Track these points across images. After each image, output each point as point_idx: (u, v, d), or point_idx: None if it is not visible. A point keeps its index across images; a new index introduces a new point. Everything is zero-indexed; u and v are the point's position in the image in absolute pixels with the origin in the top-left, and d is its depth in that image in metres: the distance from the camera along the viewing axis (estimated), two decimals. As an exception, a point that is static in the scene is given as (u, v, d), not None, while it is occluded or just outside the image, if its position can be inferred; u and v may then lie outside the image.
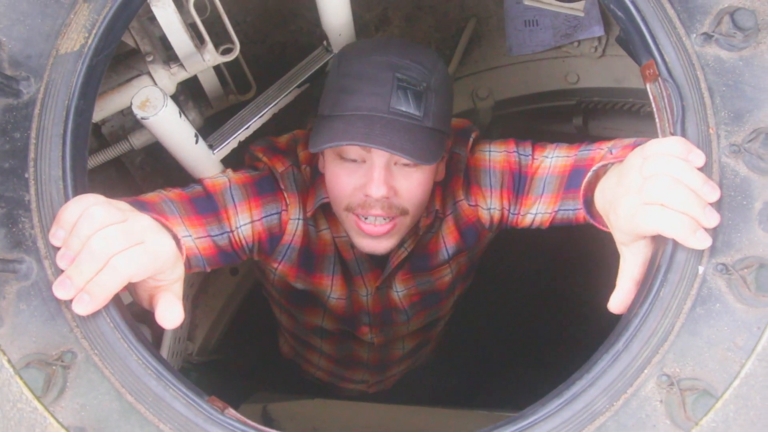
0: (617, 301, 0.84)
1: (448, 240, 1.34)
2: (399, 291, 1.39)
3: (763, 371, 0.69)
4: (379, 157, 1.10)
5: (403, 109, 1.07)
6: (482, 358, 1.72)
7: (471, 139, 1.30)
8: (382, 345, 1.51)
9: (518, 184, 1.27)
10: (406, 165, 1.13)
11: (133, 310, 0.86)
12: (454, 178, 1.31)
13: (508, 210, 1.29)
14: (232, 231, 1.20)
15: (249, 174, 1.27)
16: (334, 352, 1.58)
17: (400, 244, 1.28)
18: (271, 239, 1.26)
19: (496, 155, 1.30)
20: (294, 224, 1.27)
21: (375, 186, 1.10)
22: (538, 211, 1.26)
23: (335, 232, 1.30)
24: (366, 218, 1.15)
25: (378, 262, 1.33)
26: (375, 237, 1.18)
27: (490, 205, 1.29)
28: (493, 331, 1.75)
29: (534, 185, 1.25)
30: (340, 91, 1.11)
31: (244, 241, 1.23)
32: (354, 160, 1.13)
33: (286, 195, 1.24)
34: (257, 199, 1.22)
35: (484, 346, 1.73)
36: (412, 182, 1.14)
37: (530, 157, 1.28)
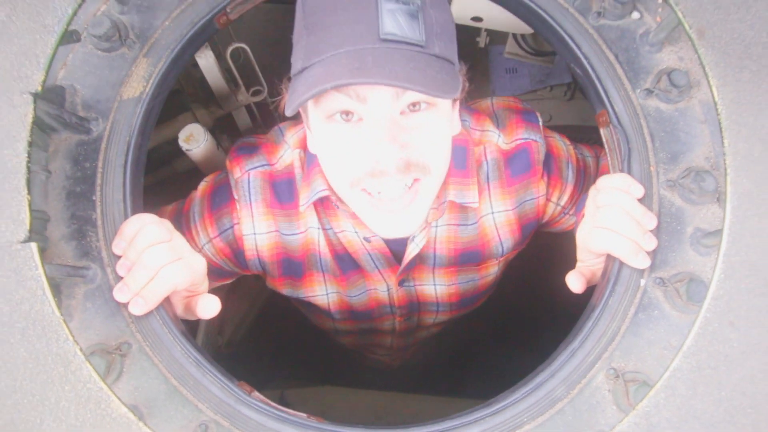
0: (574, 284, 0.84)
1: (504, 233, 1.01)
2: (438, 285, 1.07)
3: (688, 365, 0.71)
4: (379, 102, 0.74)
5: (398, 33, 0.69)
6: (479, 342, 1.63)
7: (539, 122, 1.00)
8: (406, 332, 1.22)
9: (582, 182, 1.04)
10: (414, 110, 0.76)
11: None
12: (533, 169, 0.97)
13: (566, 208, 1.04)
14: (199, 251, 0.98)
15: (214, 181, 1.02)
16: (354, 342, 1.29)
17: (411, 239, 0.94)
18: (236, 254, 1.01)
19: (568, 145, 1.03)
20: (251, 239, 0.98)
21: (382, 147, 0.75)
22: (572, 215, 1.05)
23: (337, 228, 0.98)
24: (379, 192, 0.80)
25: (395, 254, 0.99)
26: (394, 213, 0.82)
27: (560, 201, 1.03)
28: (492, 319, 1.63)
29: (585, 187, 1.04)
30: (310, 34, 0.73)
31: (215, 259, 1.01)
32: (347, 115, 0.76)
33: (239, 206, 0.97)
34: (210, 214, 0.98)
35: (481, 332, 1.64)
36: (427, 130, 0.78)
37: (593, 158, 1.07)
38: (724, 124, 0.77)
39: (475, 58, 1.75)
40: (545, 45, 1.43)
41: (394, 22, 0.69)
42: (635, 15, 0.86)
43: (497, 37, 1.59)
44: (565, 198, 1.03)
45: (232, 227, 0.98)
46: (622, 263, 0.78)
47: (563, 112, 1.62)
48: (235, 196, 0.97)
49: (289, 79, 0.79)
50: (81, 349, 0.70)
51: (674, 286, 0.76)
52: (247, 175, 0.95)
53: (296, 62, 0.76)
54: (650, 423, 0.69)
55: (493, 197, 0.98)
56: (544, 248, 1.28)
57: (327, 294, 1.07)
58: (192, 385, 0.73)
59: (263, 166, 0.96)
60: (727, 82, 0.78)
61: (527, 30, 1.29)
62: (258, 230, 0.97)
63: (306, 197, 0.93)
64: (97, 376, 0.69)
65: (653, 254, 0.78)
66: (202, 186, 1.02)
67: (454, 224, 0.99)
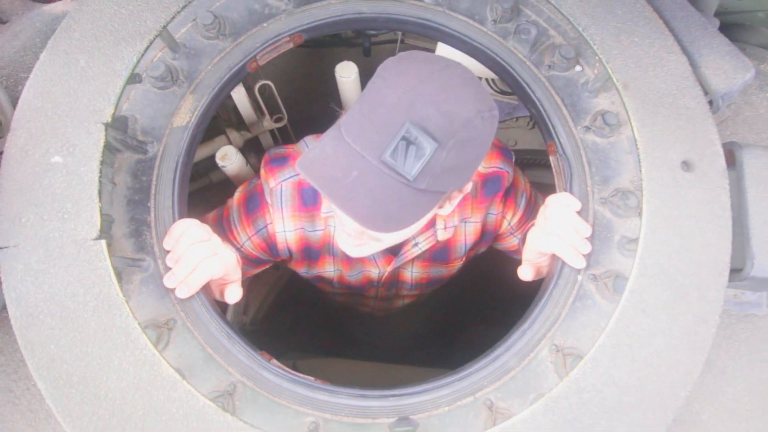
0: (525, 273, 0.91)
1: (469, 237, 1.11)
2: (414, 272, 1.17)
3: (610, 342, 0.77)
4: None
5: (396, 164, 0.69)
6: (462, 322, 1.64)
7: (512, 158, 1.07)
8: (385, 298, 1.32)
9: (530, 213, 1.12)
10: None
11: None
12: (500, 193, 1.06)
13: (513, 229, 1.12)
14: (240, 247, 1.05)
15: (246, 190, 1.06)
16: (345, 300, 1.38)
17: (414, 244, 1.05)
18: (270, 247, 1.08)
19: (527, 183, 1.12)
20: (282, 235, 1.04)
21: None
22: (518, 236, 1.13)
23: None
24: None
25: (393, 249, 1.07)
26: (356, 248, 0.92)
27: (512, 221, 1.12)
28: (466, 299, 1.69)
29: (531, 218, 1.11)
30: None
31: (254, 252, 1.07)
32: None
33: (271, 210, 1.02)
34: (247, 218, 1.04)
35: (464, 314, 1.67)
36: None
37: (536, 195, 1.15)
38: (642, 156, 0.84)
39: None
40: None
41: (397, 153, 0.68)
42: (578, 68, 0.93)
43: None
44: (515, 219, 1.11)
45: (266, 226, 1.04)
46: (564, 263, 0.83)
47: (526, 138, 1.70)
48: (269, 201, 1.01)
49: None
50: (138, 323, 0.74)
51: (603, 281, 0.81)
52: (280, 186, 0.99)
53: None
54: (579, 387, 0.74)
55: (471, 210, 1.07)
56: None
57: (333, 271, 1.15)
58: (223, 354, 0.78)
59: (293, 176, 0.99)
60: (645, 124, 0.85)
61: (494, 76, 1.37)
62: (287, 228, 1.04)
63: (326, 208, 1.00)
64: (151, 344, 0.74)
65: (588, 257, 0.83)
66: (237, 195, 1.07)
67: (434, 230, 1.06)
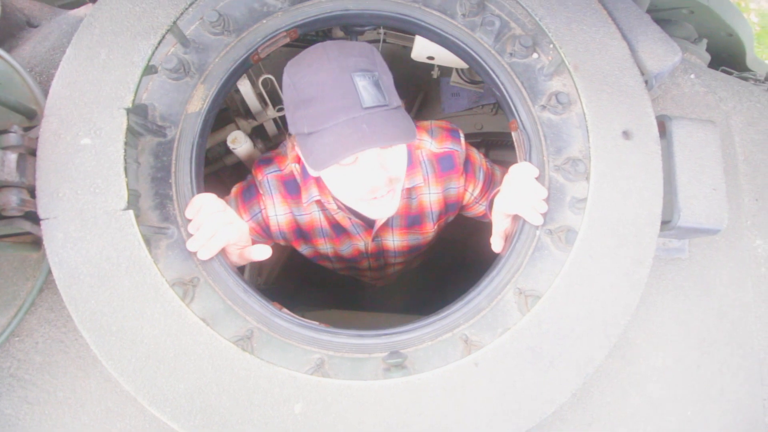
0: (496, 245, 0.91)
1: (434, 206, 1.09)
2: (395, 240, 1.16)
3: (564, 283, 0.75)
4: (370, 151, 0.79)
5: (373, 102, 0.74)
6: (447, 276, 1.62)
7: (461, 138, 1.05)
8: (377, 268, 1.30)
9: (489, 183, 1.11)
10: (389, 145, 0.79)
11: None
12: (455, 169, 1.04)
13: (477, 198, 1.11)
14: None
15: (242, 185, 1.07)
16: (346, 273, 1.35)
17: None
18: (265, 229, 1.07)
19: (482, 159, 1.11)
20: (274, 218, 1.04)
21: (376, 177, 0.81)
22: (483, 204, 1.13)
23: (332, 210, 1.03)
24: (374, 198, 0.86)
25: (369, 223, 1.09)
26: (383, 205, 0.89)
27: (474, 192, 1.10)
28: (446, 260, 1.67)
29: (491, 188, 1.12)
30: (308, 106, 0.76)
31: (250, 235, 1.06)
32: (350, 161, 0.81)
33: (264, 198, 1.03)
34: (244, 205, 1.04)
35: (449, 270, 1.65)
36: (397, 156, 0.85)
37: (501, 172, 1.14)
38: (589, 127, 0.81)
39: (430, 85, 1.78)
40: (477, 77, 1.46)
41: (368, 95, 0.75)
42: (535, 56, 0.91)
43: (445, 70, 1.61)
44: (477, 191, 1.10)
45: (260, 212, 1.04)
46: (524, 221, 0.82)
47: (491, 122, 1.66)
48: (261, 192, 1.02)
49: (291, 135, 0.81)
50: (166, 281, 0.72)
51: (558, 235, 0.81)
52: (266, 178, 1.02)
53: (301, 126, 0.77)
54: (539, 320, 0.74)
55: (431, 183, 1.06)
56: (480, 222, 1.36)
57: (327, 247, 1.15)
58: (241, 304, 0.76)
59: (276, 171, 1.02)
60: (591, 101, 0.82)
61: (465, 66, 1.34)
62: (278, 213, 1.04)
63: (306, 198, 1.01)
64: (178, 298, 0.72)
65: (545, 215, 0.82)
66: (234, 189, 1.07)
67: (405, 200, 1.07)
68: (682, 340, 0.87)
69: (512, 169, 0.86)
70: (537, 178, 0.84)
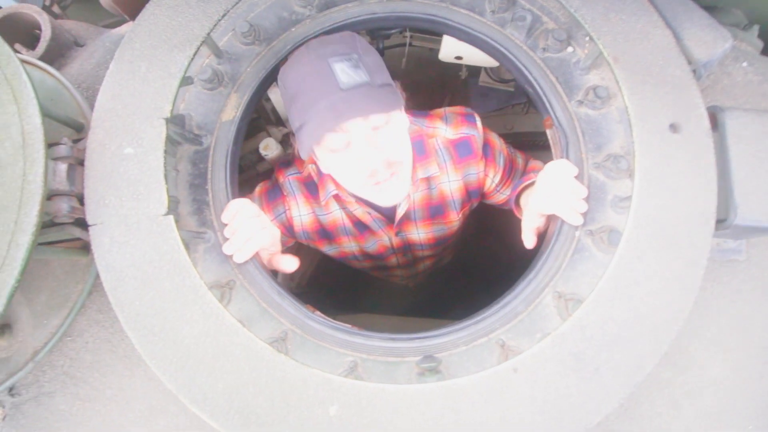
0: (528, 242, 0.88)
1: (455, 194, 1.06)
2: (420, 233, 1.13)
3: (608, 286, 0.72)
4: (356, 127, 0.78)
5: (352, 82, 0.75)
6: (477, 283, 1.56)
7: (478, 122, 1.02)
8: (406, 265, 1.27)
9: (510, 170, 1.09)
10: (379, 125, 0.80)
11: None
12: (474, 154, 1.02)
13: (498, 186, 1.09)
14: None
15: (265, 185, 1.08)
16: (376, 273, 1.34)
17: (399, 205, 1.03)
18: (288, 229, 1.08)
19: (502, 144, 1.08)
20: (298, 219, 1.06)
21: (370, 158, 0.80)
22: (505, 193, 1.10)
23: (351, 208, 1.03)
24: (377, 182, 0.86)
25: (390, 218, 1.08)
26: (388, 190, 0.88)
27: (495, 179, 1.08)
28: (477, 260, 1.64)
29: (513, 175, 1.10)
30: (295, 101, 0.79)
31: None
32: (343, 147, 0.81)
33: (287, 198, 1.05)
34: (268, 204, 1.06)
35: (477, 276, 1.61)
36: (390, 136, 0.82)
37: (523, 159, 1.12)
38: (632, 122, 0.78)
39: (458, 87, 1.75)
40: (506, 75, 1.42)
41: (345, 75, 0.75)
42: (570, 49, 0.87)
43: (473, 71, 1.58)
44: (498, 177, 1.07)
45: (284, 212, 1.06)
46: (563, 221, 0.79)
47: (521, 123, 1.61)
48: (285, 193, 1.04)
49: (293, 134, 0.85)
50: (204, 284, 0.74)
51: (599, 236, 0.77)
52: (288, 179, 1.04)
53: (294, 122, 0.80)
54: (582, 325, 0.71)
55: (449, 171, 1.04)
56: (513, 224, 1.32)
57: (352, 246, 1.14)
58: (276, 307, 0.77)
59: (296, 173, 1.05)
60: (634, 93, 0.78)
61: (494, 64, 1.29)
62: (302, 213, 1.06)
63: (324, 195, 1.01)
64: (216, 300, 0.73)
65: (585, 215, 0.78)
66: (258, 189, 1.08)
67: (425, 191, 1.05)
68: (741, 348, 0.81)
69: (549, 166, 0.82)
70: (576, 177, 0.80)
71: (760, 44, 1.18)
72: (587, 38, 0.86)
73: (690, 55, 0.82)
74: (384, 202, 0.93)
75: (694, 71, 0.82)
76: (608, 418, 0.76)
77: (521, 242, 0.90)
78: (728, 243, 0.84)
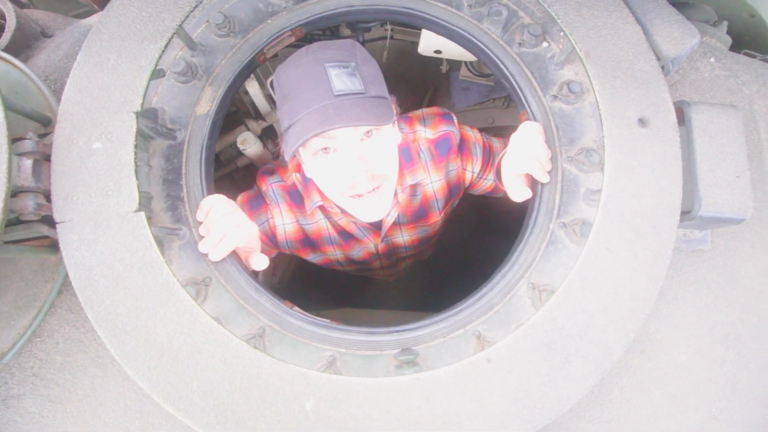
0: (518, 197, 0.84)
1: (438, 194, 1.07)
2: (405, 236, 1.13)
3: (578, 277, 0.73)
4: (344, 136, 0.78)
5: (345, 89, 0.75)
6: (453, 275, 1.56)
7: (454, 119, 1.04)
8: (389, 266, 1.28)
9: (488, 156, 1.08)
10: (368, 136, 0.81)
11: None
12: (452, 150, 1.02)
13: (480, 174, 1.09)
14: None
15: (248, 194, 1.05)
16: (359, 274, 1.34)
17: (387, 214, 1.02)
18: (271, 238, 1.05)
19: (477, 134, 1.09)
20: (281, 228, 1.03)
21: (353, 167, 0.80)
22: (489, 179, 1.09)
23: (335, 217, 1.03)
24: (359, 194, 0.86)
25: (376, 225, 1.07)
26: (369, 205, 0.89)
27: (474, 170, 1.07)
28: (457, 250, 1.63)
29: (492, 159, 1.09)
30: (287, 101, 0.79)
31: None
32: (325, 150, 0.81)
33: (271, 207, 1.02)
34: (251, 213, 1.02)
35: (454, 269, 1.61)
36: (377, 149, 0.83)
37: (501, 144, 1.12)
38: (603, 115, 0.79)
39: (440, 81, 1.74)
40: (486, 69, 1.43)
41: (340, 82, 0.76)
42: (545, 44, 0.88)
43: (455, 64, 1.57)
44: (477, 167, 1.07)
45: (267, 221, 1.02)
46: (537, 213, 0.80)
47: (502, 116, 1.62)
48: (268, 201, 1.01)
49: (281, 135, 0.83)
50: (178, 281, 0.72)
51: (572, 228, 0.78)
52: (271, 187, 1.01)
53: (284, 122, 0.80)
54: (553, 315, 0.72)
55: (431, 172, 1.04)
56: (491, 214, 1.32)
57: (336, 254, 1.13)
58: (253, 303, 0.76)
59: (280, 181, 1.02)
60: (605, 88, 0.79)
61: (473, 58, 1.31)
62: (286, 221, 1.03)
63: (309, 205, 0.99)
64: (191, 298, 0.72)
65: (550, 173, 0.79)
66: (240, 197, 1.05)
67: (409, 196, 1.05)
68: (705, 335, 0.83)
69: (520, 128, 0.83)
70: (546, 142, 0.80)
71: (729, 40, 1.22)
72: (562, 33, 0.87)
73: (659, 51, 0.84)
74: (364, 218, 0.93)
75: (662, 67, 0.84)
76: (579, 405, 0.78)
77: (502, 241, 0.91)
78: (694, 234, 0.87)
